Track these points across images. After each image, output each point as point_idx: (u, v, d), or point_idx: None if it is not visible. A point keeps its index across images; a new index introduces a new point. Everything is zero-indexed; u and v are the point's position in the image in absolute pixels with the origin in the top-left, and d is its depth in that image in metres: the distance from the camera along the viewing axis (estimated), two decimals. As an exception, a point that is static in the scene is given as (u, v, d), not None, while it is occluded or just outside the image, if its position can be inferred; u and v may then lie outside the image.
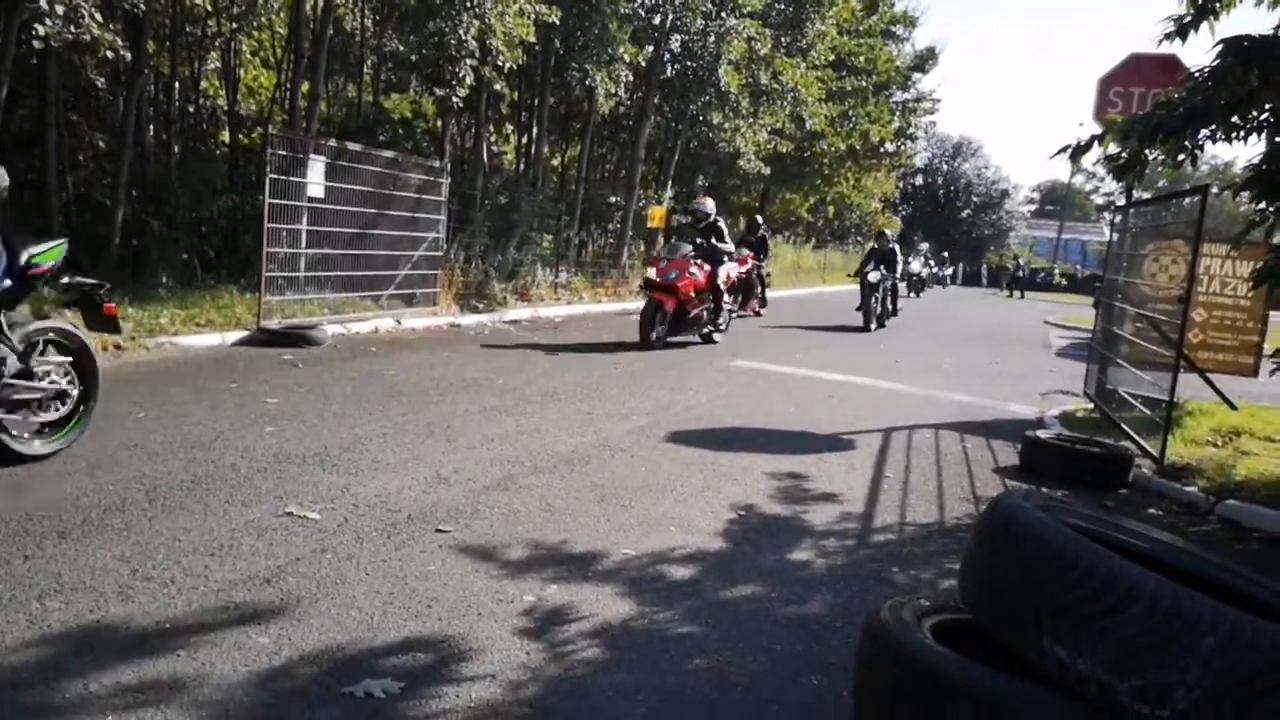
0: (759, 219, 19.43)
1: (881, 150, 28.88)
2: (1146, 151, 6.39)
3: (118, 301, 8.81)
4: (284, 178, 9.94)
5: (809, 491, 5.71)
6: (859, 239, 31.51)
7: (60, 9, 7.33)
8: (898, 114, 29.87)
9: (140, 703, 2.71)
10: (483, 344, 10.88)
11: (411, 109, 16.72)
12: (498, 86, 14.58)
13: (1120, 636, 2.02)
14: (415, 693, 2.91)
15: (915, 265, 30.57)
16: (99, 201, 11.04)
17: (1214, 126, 5.92)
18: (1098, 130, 6.73)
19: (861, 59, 25.40)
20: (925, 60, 32.13)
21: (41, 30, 7.31)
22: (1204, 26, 6.14)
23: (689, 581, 4.05)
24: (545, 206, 16.83)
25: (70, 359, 5.06)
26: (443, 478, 5.22)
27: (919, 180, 56.79)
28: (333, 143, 11.17)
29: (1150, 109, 6.17)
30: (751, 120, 18.87)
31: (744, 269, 16.02)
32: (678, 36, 16.46)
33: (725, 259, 12.56)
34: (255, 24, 10.69)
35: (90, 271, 9.69)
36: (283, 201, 9.98)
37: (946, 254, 47.45)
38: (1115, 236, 10.24)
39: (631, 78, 15.55)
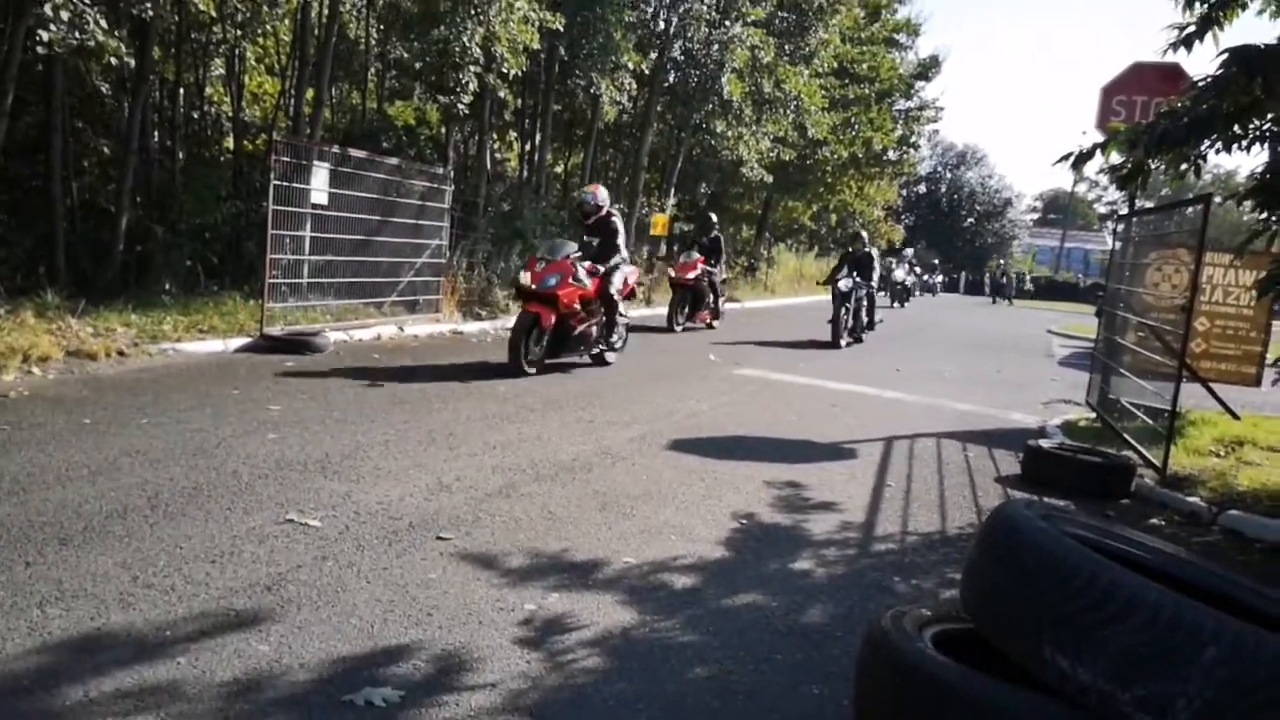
0: (712, 216, 17.59)
1: (884, 158, 28.88)
2: (1150, 161, 6.40)
3: (121, 308, 8.89)
4: (288, 184, 9.96)
5: (810, 500, 5.70)
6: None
7: (65, 15, 7.35)
8: (900, 122, 29.86)
9: (140, 709, 2.71)
10: (485, 350, 10.87)
11: (415, 116, 16.76)
12: (502, 94, 14.60)
13: (1122, 647, 2.02)
14: (416, 701, 2.91)
15: (899, 273, 30.04)
16: (104, 208, 11.07)
17: (1217, 136, 5.92)
18: (1100, 139, 6.74)
19: (864, 67, 25.44)
20: (928, 68, 32.15)
21: (46, 36, 7.32)
22: (1208, 37, 6.14)
23: (690, 590, 4.05)
24: (548, 214, 16.85)
25: None
26: (444, 485, 5.22)
27: (922, 188, 56.84)
28: (336, 149, 11.20)
29: (1155, 118, 6.17)
30: (754, 128, 18.88)
31: (692, 274, 15.15)
32: (681, 43, 16.48)
33: (620, 262, 10.39)
34: (260, 31, 10.71)
35: (94, 278, 9.79)
36: (286, 208, 10.00)
37: (937, 261, 47.45)
38: (1118, 245, 10.25)
39: (635, 85, 15.54)
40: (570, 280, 9.40)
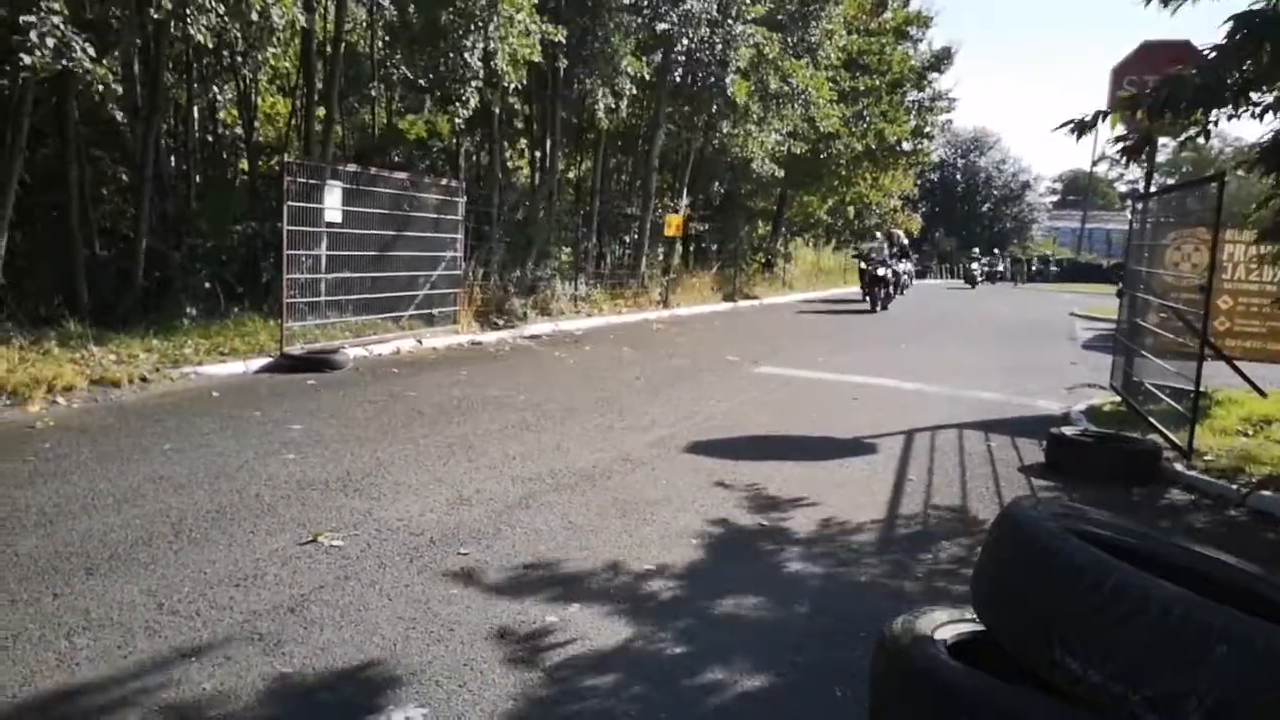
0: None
1: (899, 149, 28.67)
2: (1155, 133, 6.34)
3: (142, 334, 8.99)
4: (302, 204, 10.05)
5: (831, 499, 5.68)
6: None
7: (51, 41, 7.38)
8: (914, 113, 29.64)
9: (167, 738, 2.75)
10: (503, 360, 10.92)
11: (426, 129, 16.85)
12: (511, 101, 14.66)
13: (1132, 647, 2.00)
14: (439, 718, 2.93)
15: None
16: (123, 234, 11.21)
17: (1228, 104, 5.86)
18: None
19: (874, 58, 25.27)
20: (941, 60, 31.87)
21: (28, 60, 7.35)
22: None
23: (711, 595, 4.05)
24: (562, 220, 16.88)
25: None
26: (464, 498, 5.25)
27: (936, 176, 56.42)
28: (350, 167, 11.28)
29: (1157, 85, 6.09)
30: (762, 125, 18.83)
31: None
32: (685, 42, 16.44)
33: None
34: (262, 58, 10.79)
35: (115, 305, 9.91)
36: (301, 228, 10.08)
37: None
38: (1136, 225, 10.14)
39: (636, 91, 15.52)
40: None
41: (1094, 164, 68.43)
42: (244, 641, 3.37)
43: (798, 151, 21.57)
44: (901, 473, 6.42)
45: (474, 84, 11.59)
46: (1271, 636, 1.95)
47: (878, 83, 25.20)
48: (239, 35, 9.91)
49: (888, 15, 27.49)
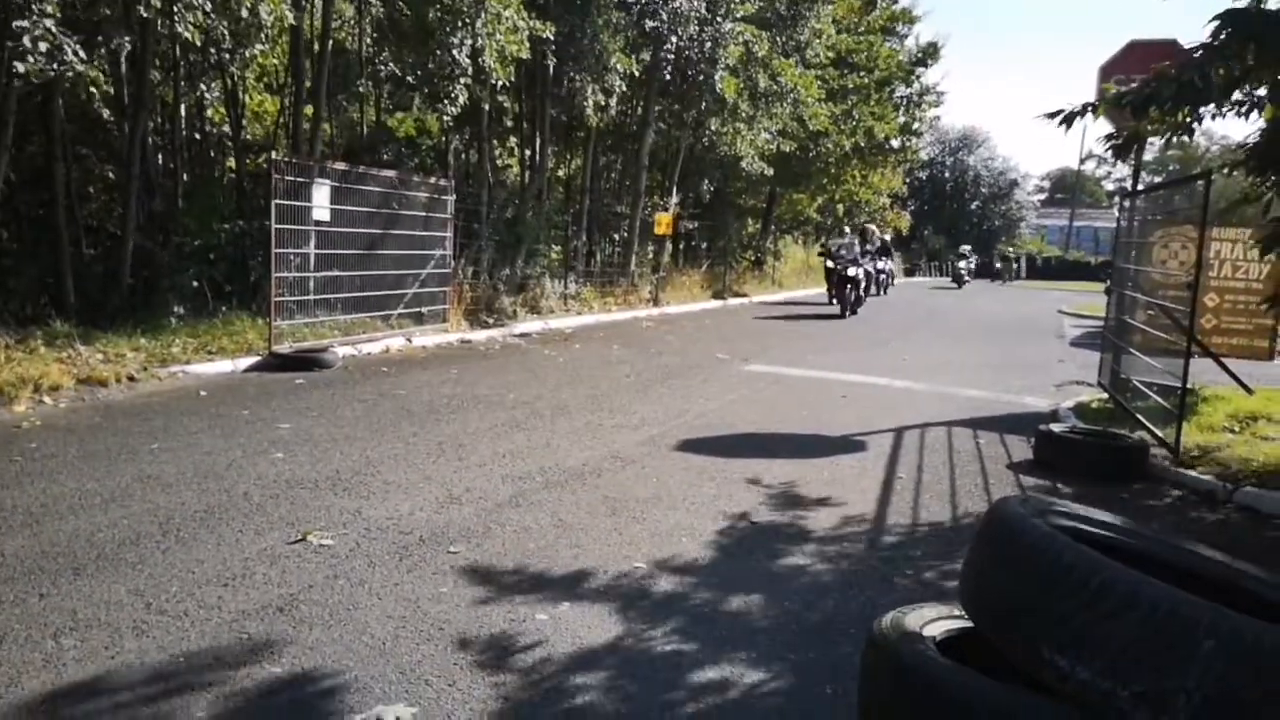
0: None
1: (887, 147, 28.73)
2: (1144, 129, 6.38)
3: (129, 333, 8.94)
4: (290, 202, 10.01)
5: (820, 496, 5.69)
6: (880, 238, 31.25)
7: (44, 46, 7.34)
8: (902, 109, 29.71)
9: (155, 738, 2.74)
10: (493, 359, 10.91)
11: (416, 126, 16.79)
12: (500, 99, 14.61)
13: (1119, 643, 2.00)
14: (429, 717, 2.93)
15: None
16: (110, 233, 11.14)
17: (1214, 102, 5.90)
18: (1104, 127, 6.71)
19: (862, 56, 25.33)
20: (928, 55, 31.96)
21: (22, 68, 7.31)
22: None
23: (702, 593, 4.05)
24: (552, 218, 16.86)
25: None
26: (454, 497, 5.24)
27: (925, 174, 56.55)
28: (338, 165, 11.24)
29: (1142, 82, 6.13)
30: (751, 123, 18.84)
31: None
32: (674, 40, 16.43)
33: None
34: (249, 55, 10.73)
35: (102, 304, 9.85)
36: (289, 226, 10.04)
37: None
38: (1124, 223, 10.19)
39: (625, 88, 15.51)
40: None
41: (1081, 162, 68.88)
42: (232, 641, 3.36)
43: (787, 150, 21.59)
44: (891, 470, 6.44)
45: (462, 81, 11.55)
46: (1259, 632, 1.96)
47: (866, 80, 25.24)
48: (226, 32, 9.85)
49: (875, 14, 27.55)
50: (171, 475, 5.38)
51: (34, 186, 10.31)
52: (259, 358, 9.33)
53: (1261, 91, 5.93)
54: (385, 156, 14.52)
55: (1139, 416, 7.85)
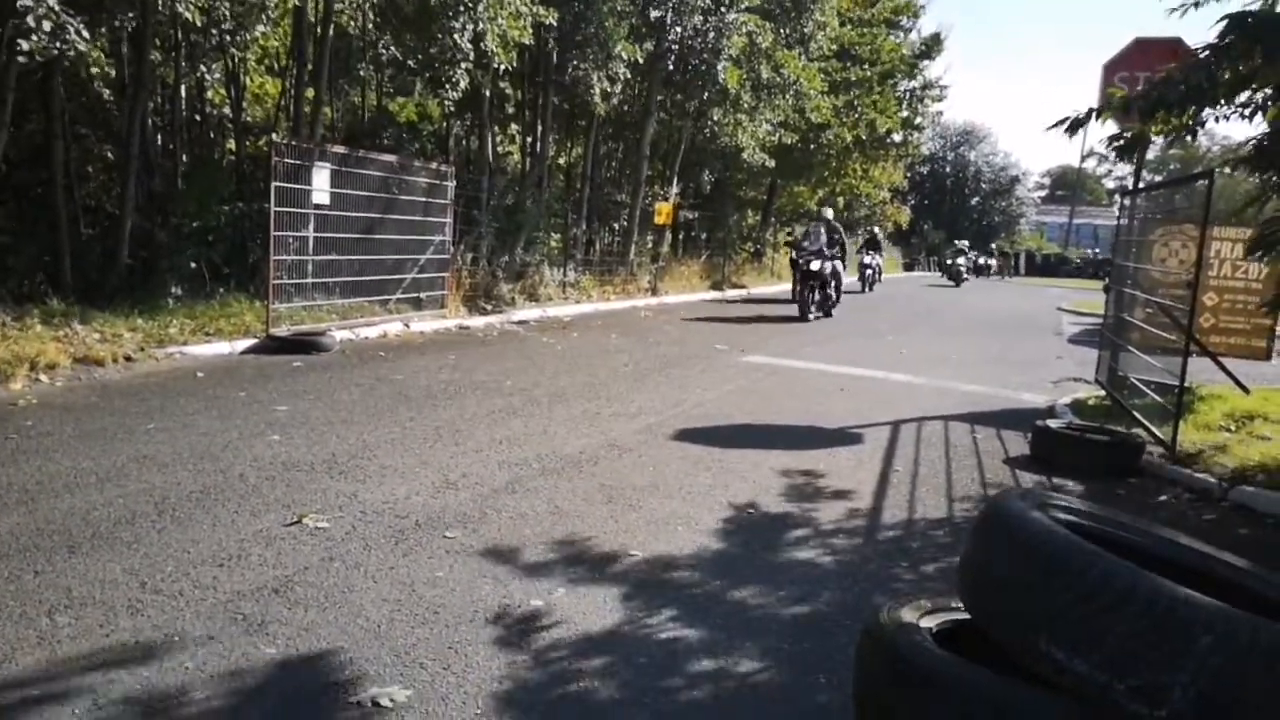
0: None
1: (889, 140, 28.69)
2: (1150, 131, 6.38)
3: (127, 313, 8.92)
4: (289, 185, 9.97)
5: (817, 487, 5.70)
6: (869, 230, 31.22)
7: (47, 25, 7.30)
8: (905, 103, 29.65)
9: (149, 715, 2.74)
10: (491, 345, 10.89)
11: (417, 111, 16.74)
12: (502, 85, 14.57)
13: (1117, 637, 2.01)
14: (423, 700, 2.93)
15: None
16: (108, 213, 11.10)
17: (1220, 103, 5.90)
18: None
19: (865, 49, 25.26)
20: (931, 47, 31.88)
21: (26, 45, 7.27)
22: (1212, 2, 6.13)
23: (697, 582, 4.05)
24: (552, 206, 16.82)
25: None
26: (450, 482, 5.24)
27: (925, 169, 56.51)
28: (337, 148, 11.20)
29: (1149, 85, 6.13)
30: (753, 115, 18.80)
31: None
32: (678, 30, 16.39)
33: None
34: (250, 37, 10.68)
35: (100, 283, 9.82)
36: (288, 209, 10.01)
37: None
38: (1124, 221, 10.18)
39: (630, 76, 15.46)
40: None
41: (1082, 160, 68.82)
42: (227, 621, 3.36)
43: (788, 142, 21.54)
44: (888, 463, 6.44)
45: (463, 66, 11.51)
46: (1256, 628, 1.96)
47: (869, 73, 25.17)
48: (228, 13, 9.80)
49: (879, 6, 27.46)
50: (167, 455, 5.37)
51: (33, 165, 10.26)
52: (256, 340, 9.31)
53: (1268, 91, 5.92)
54: (386, 141, 14.47)
55: (1136, 414, 7.85)
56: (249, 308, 10.06)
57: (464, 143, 17.37)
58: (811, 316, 16.24)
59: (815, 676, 3.26)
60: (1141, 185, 10.42)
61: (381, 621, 3.45)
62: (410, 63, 13.54)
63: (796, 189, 28.83)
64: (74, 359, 7.56)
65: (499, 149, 18.14)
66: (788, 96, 19.29)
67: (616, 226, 19.42)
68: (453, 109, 13.63)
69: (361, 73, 14.91)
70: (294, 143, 10.69)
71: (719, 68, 16.69)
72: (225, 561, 3.90)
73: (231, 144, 13.42)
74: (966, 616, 2.51)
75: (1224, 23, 5.50)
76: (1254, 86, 5.90)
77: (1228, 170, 7.73)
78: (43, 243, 9.90)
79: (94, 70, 8.51)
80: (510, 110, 17.78)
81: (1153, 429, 7.30)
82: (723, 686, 3.16)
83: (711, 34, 16.52)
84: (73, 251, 9.88)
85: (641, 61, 15.58)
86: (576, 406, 7.55)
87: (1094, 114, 6.48)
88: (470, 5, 11.12)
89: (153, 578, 3.68)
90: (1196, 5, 6.23)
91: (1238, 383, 8.81)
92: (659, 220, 19.20)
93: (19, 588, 3.51)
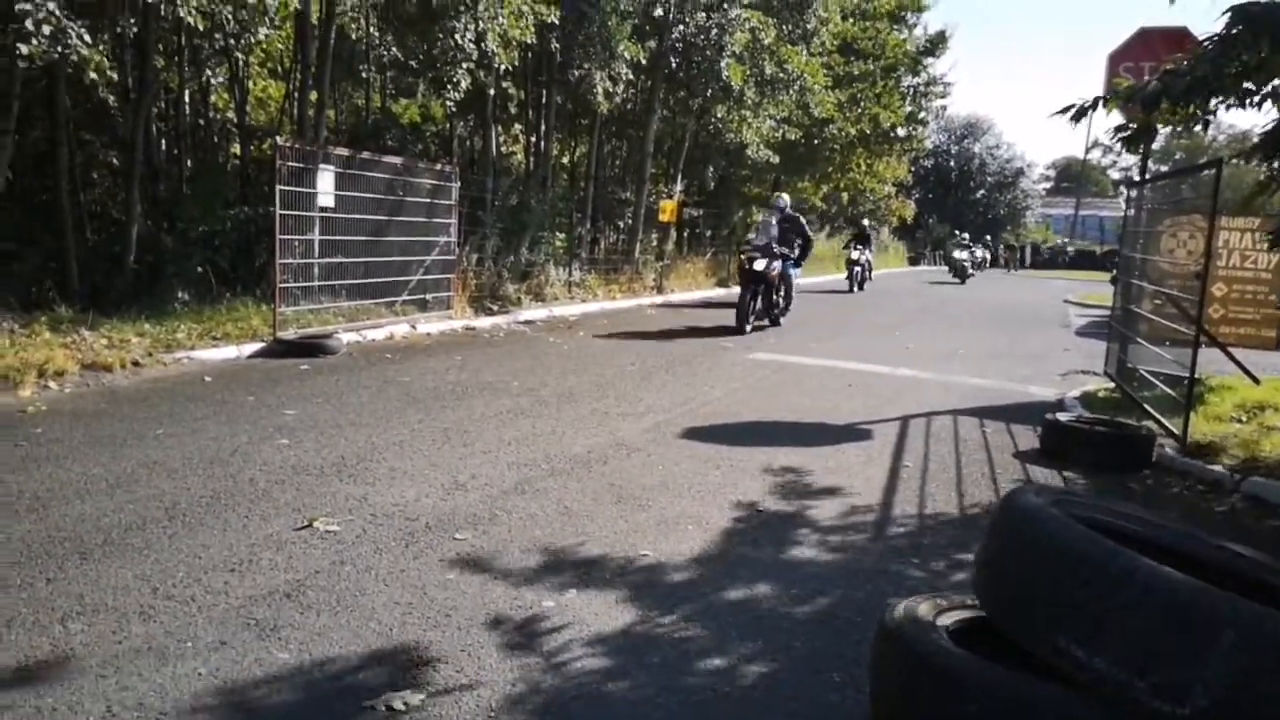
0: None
1: (893, 135, 28.62)
2: (1156, 122, 6.35)
3: (134, 318, 8.94)
4: (294, 188, 9.97)
5: (826, 485, 5.68)
6: (872, 225, 31.15)
7: (47, 29, 7.30)
8: (909, 99, 29.57)
9: (163, 724, 2.73)
10: (498, 346, 10.89)
11: (420, 112, 16.74)
12: (505, 85, 14.57)
13: (1137, 634, 1.99)
14: (437, 703, 2.92)
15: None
16: (114, 218, 11.13)
17: (1225, 94, 5.86)
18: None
19: (869, 43, 25.20)
20: (936, 45, 31.77)
21: (25, 49, 7.27)
22: None
23: (707, 581, 4.04)
24: (556, 205, 16.81)
25: None
26: (460, 484, 5.23)
27: (929, 162, 56.31)
28: (341, 151, 11.20)
29: (1153, 77, 6.10)
30: (757, 111, 18.76)
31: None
32: (680, 27, 16.35)
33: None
34: (253, 41, 10.69)
35: (107, 289, 9.84)
36: (293, 212, 10.01)
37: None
38: (1131, 212, 10.14)
39: (632, 75, 15.44)
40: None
41: (1087, 151, 68.71)
42: (240, 627, 3.35)
43: (792, 137, 21.50)
44: (897, 459, 6.42)
45: (465, 66, 11.50)
46: (1279, 622, 1.94)
47: (872, 67, 25.11)
48: (230, 17, 9.80)
49: (879, 1, 27.40)
50: (177, 461, 5.37)
51: (38, 172, 10.30)
52: (264, 344, 9.32)
53: (1277, 82, 5.88)
54: (389, 143, 14.49)
55: (1146, 406, 7.82)
56: (255, 311, 10.06)
57: (467, 143, 17.38)
58: (749, 327, 13.06)
59: (829, 675, 3.25)
60: (1148, 176, 10.38)
61: (394, 625, 3.44)
62: (412, 63, 13.55)
63: (801, 185, 28.78)
64: (82, 365, 7.56)
65: (503, 149, 18.15)
66: (791, 92, 19.25)
67: (621, 225, 19.40)
68: (455, 110, 13.64)
69: (364, 74, 14.92)
70: (298, 146, 10.70)
71: (722, 64, 16.66)
72: (236, 566, 3.90)
73: (236, 148, 13.45)
74: (982, 614, 2.49)
75: (1229, 15, 5.47)
76: (1263, 76, 5.86)
77: (1236, 161, 7.68)
78: (49, 249, 9.93)
79: (97, 76, 8.50)
80: (513, 110, 17.78)
81: (1163, 421, 7.27)
82: (738, 686, 3.15)
83: (714, 31, 16.49)
84: (79, 258, 9.90)
85: (644, 60, 15.55)
86: (584, 406, 7.54)
87: (1099, 102, 6.44)
88: (471, 5, 11.12)
89: (164, 583, 3.68)
90: None
91: (1248, 373, 8.78)
92: (663, 218, 19.17)
93: (32, 595, 3.52)
